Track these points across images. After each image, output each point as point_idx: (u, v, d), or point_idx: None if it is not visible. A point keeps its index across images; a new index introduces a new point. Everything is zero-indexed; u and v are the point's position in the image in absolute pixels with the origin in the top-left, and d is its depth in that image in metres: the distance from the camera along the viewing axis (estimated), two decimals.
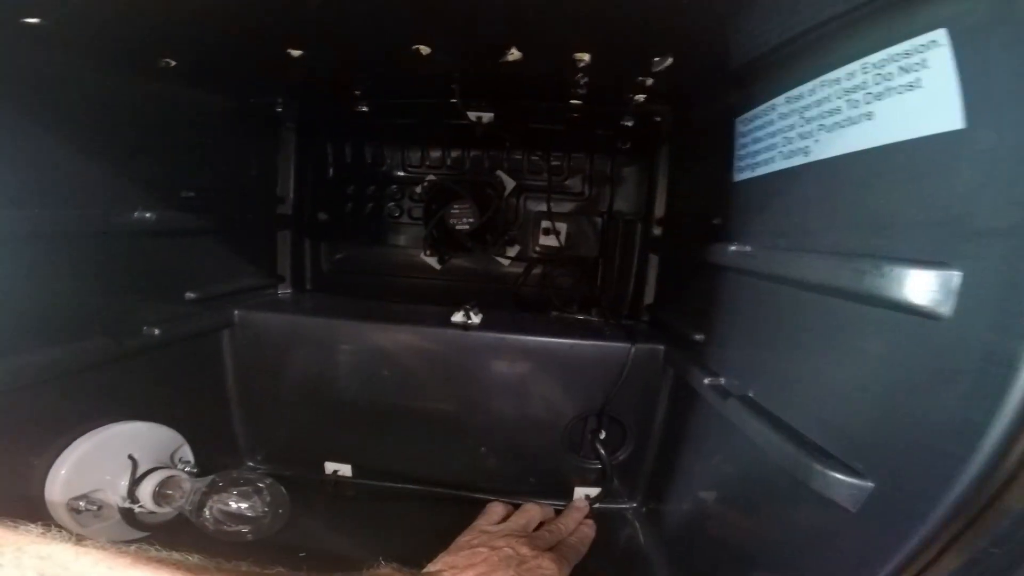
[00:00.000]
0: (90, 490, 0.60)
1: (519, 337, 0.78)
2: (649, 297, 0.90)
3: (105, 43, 0.57)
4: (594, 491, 0.83)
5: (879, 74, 0.42)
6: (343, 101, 0.89)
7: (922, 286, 0.34)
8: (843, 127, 0.46)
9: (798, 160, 0.52)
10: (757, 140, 0.60)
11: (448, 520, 0.73)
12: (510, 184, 1.00)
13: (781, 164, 0.55)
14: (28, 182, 0.56)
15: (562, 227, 0.98)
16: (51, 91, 0.58)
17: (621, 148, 0.92)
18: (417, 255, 1.06)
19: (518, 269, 1.03)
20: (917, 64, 0.38)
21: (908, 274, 0.35)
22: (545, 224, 0.99)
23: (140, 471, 0.63)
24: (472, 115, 0.90)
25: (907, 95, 0.39)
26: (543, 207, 1.00)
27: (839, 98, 0.46)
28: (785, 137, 0.55)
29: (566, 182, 1.00)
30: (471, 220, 0.97)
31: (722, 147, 0.66)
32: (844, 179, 0.46)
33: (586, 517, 0.78)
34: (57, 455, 0.59)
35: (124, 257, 0.67)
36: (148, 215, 0.68)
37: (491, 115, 0.91)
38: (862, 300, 0.39)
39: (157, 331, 0.69)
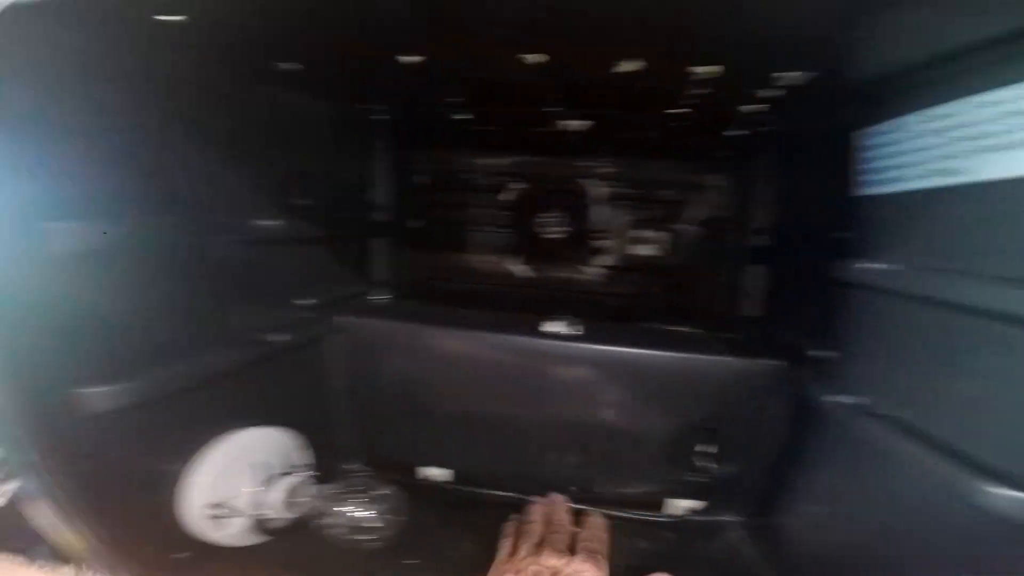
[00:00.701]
0: (223, 497, 0.63)
1: (622, 349, 0.77)
2: (747, 309, 0.88)
3: (231, 45, 0.58)
4: (694, 504, 0.83)
5: None
6: (440, 108, 0.91)
7: None
8: (1000, 150, 0.44)
9: (940, 180, 0.51)
10: (884, 156, 0.59)
11: None
12: (600, 192, 1.00)
13: (918, 183, 0.54)
14: (166, 189, 0.59)
15: (655, 236, 0.97)
16: (184, 95, 0.60)
17: (719, 155, 0.91)
18: (503, 262, 1.07)
19: (606, 278, 1.03)
20: None
21: None
22: (637, 233, 0.98)
23: (269, 477, 0.67)
24: (566, 123, 0.90)
25: None
26: (634, 215, 0.99)
27: (994, 121, 0.45)
28: (921, 155, 0.53)
29: (660, 190, 0.99)
30: (561, 228, 0.97)
31: (838, 159, 0.65)
32: (1006, 204, 0.44)
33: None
34: (192, 463, 0.62)
35: (245, 266, 0.70)
36: (266, 223, 0.71)
37: (586, 123, 0.91)
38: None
39: (275, 338, 0.72)
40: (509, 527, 0.71)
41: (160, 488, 0.59)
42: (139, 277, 0.57)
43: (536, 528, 0.68)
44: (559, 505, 0.74)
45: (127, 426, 0.54)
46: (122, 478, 0.55)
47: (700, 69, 0.58)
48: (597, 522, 0.71)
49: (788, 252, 0.80)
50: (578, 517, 0.73)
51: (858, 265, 0.60)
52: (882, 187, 0.59)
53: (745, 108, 0.73)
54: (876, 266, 0.58)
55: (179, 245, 0.61)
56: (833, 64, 0.56)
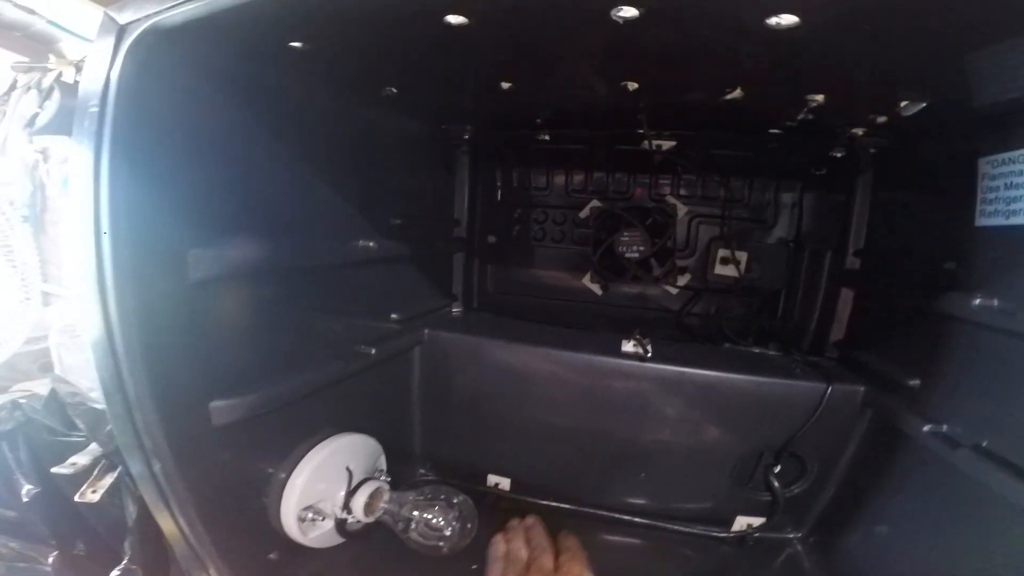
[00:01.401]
0: (316, 500, 0.66)
1: (699, 371, 0.76)
2: (835, 333, 0.85)
3: (348, 70, 0.61)
4: (756, 520, 0.81)
5: None
6: (524, 128, 0.92)
7: None
8: None
9: None
10: (1012, 186, 0.55)
11: (602, 542, 0.78)
12: (682, 210, 0.98)
13: None
14: (287, 212, 0.63)
15: (742, 256, 0.94)
16: (306, 121, 0.64)
17: (814, 174, 0.87)
18: (578, 279, 1.07)
19: (687, 298, 1.01)
20: None
21: None
22: (721, 253, 0.95)
23: (354, 482, 0.69)
24: (651, 144, 0.90)
25: None
26: (718, 234, 0.96)
27: None
28: None
29: (745, 209, 0.96)
30: (641, 248, 0.96)
31: (959, 186, 0.61)
32: None
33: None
34: (294, 468, 0.65)
35: (349, 283, 0.74)
36: (369, 244, 0.74)
37: (671, 143, 0.90)
38: None
39: (374, 351, 0.75)
40: (496, 550, 0.71)
41: (264, 492, 0.62)
42: (261, 298, 0.60)
43: (522, 553, 0.69)
44: (537, 528, 0.74)
45: (243, 435, 0.57)
46: (234, 482, 0.58)
47: (808, 97, 0.57)
48: (573, 542, 0.71)
49: (885, 277, 0.77)
50: (555, 537, 0.73)
51: (974, 302, 0.57)
52: (1008, 219, 0.56)
53: (856, 130, 0.70)
54: (986, 302, 0.56)
55: (295, 268, 0.64)
56: (954, 91, 0.53)
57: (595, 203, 1.03)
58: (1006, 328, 0.54)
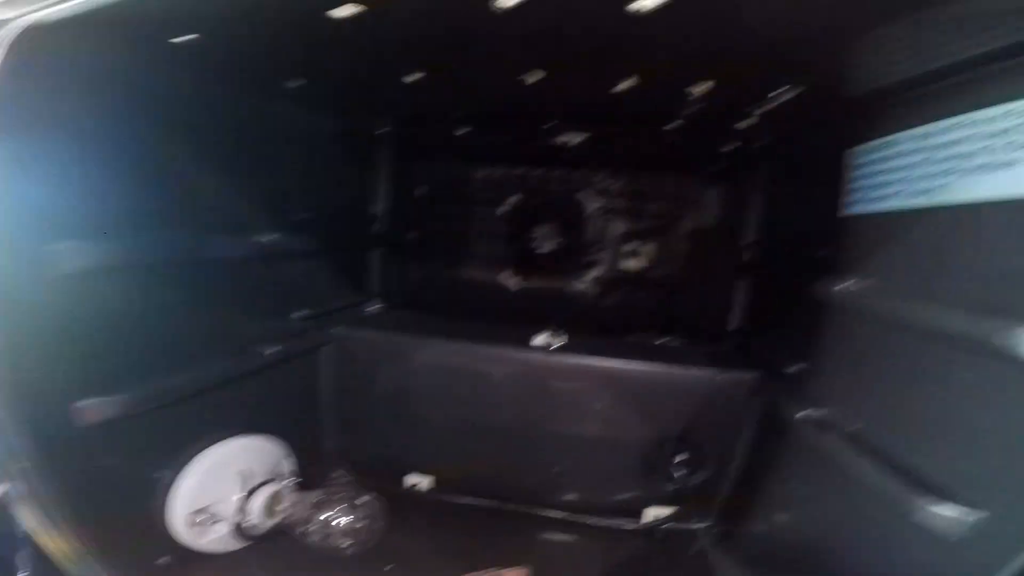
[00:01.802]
0: (207, 503, 0.64)
1: (602, 362, 0.78)
2: (733, 322, 0.89)
3: (242, 63, 0.60)
4: (665, 511, 0.83)
5: None
6: (440, 123, 0.92)
7: None
8: (978, 173, 0.44)
9: (923, 201, 0.51)
10: (874, 175, 0.59)
11: (519, 535, 0.79)
12: (592, 205, 1.00)
13: (903, 203, 0.54)
14: (168, 204, 0.61)
15: (645, 249, 0.97)
16: (191, 113, 0.62)
17: (712, 170, 0.91)
18: (498, 274, 1.08)
19: (597, 291, 1.03)
20: None
21: None
22: (628, 246, 0.98)
23: (251, 484, 0.67)
24: (562, 138, 0.91)
25: None
26: (627, 227, 0.99)
27: (978, 142, 0.45)
28: (908, 175, 0.53)
29: (650, 204, 0.99)
30: (554, 242, 0.98)
31: (830, 177, 0.65)
32: (979, 227, 0.44)
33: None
34: (180, 470, 0.63)
35: (242, 280, 0.72)
36: (265, 239, 0.73)
37: (581, 137, 0.92)
38: (987, 353, 0.40)
39: (270, 350, 0.73)
40: None
41: (148, 495, 0.60)
42: (137, 293, 0.58)
43: None
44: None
45: (119, 435, 0.55)
46: (112, 485, 0.56)
47: (693, 86, 0.59)
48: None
49: (773, 267, 0.81)
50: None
51: (838, 286, 0.60)
52: (868, 206, 0.59)
53: (740, 124, 0.73)
54: (852, 286, 0.59)
55: (177, 261, 0.62)
56: (824, 80, 0.56)
57: (513, 198, 1.04)
58: (865, 310, 0.57)
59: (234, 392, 0.70)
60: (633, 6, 0.40)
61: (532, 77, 0.62)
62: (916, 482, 0.44)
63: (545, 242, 0.97)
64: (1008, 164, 0.41)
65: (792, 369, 0.69)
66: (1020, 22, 0.38)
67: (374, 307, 1.04)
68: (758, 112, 0.68)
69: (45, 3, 0.43)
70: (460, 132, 0.94)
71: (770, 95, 0.61)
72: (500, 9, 0.41)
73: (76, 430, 0.52)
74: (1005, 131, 0.42)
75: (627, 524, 0.83)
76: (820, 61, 0.53)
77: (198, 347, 0.66)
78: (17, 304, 0.46)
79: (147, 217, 0.58)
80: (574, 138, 0.92)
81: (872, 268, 0.58)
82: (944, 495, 0.41)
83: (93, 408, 0.53)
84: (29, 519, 0.51)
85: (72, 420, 0.51)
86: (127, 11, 0.42)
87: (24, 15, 0.43)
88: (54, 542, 0.52)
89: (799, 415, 0.63)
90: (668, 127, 0.80)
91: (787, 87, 0.60)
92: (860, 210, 0.60)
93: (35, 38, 0.44)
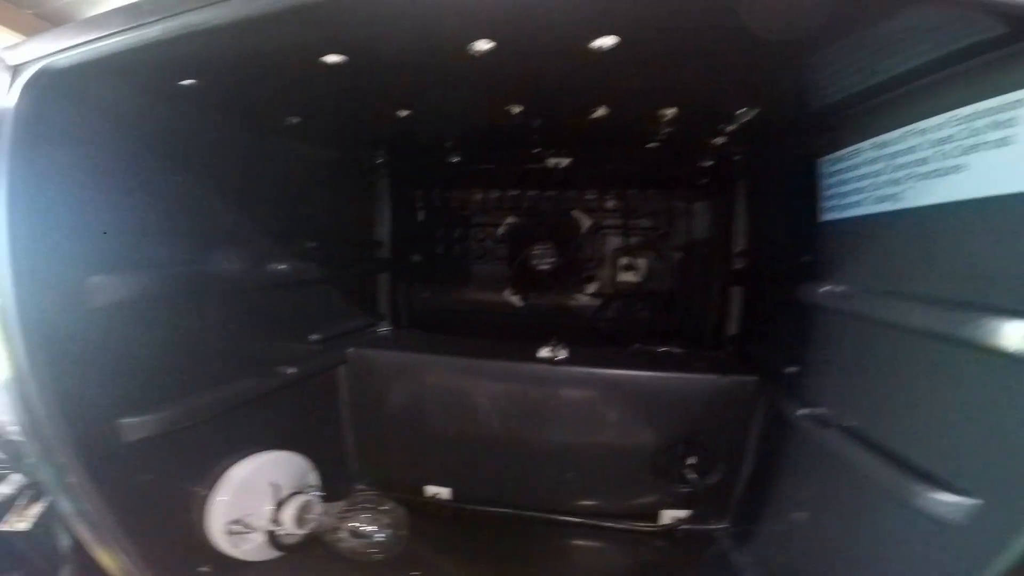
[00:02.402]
0: (242, 514, 0.68)
1: (607, 371, 0.82)
2: (731, 328, 0.93)
3: (245, 103, 0.66)
4: (681, 513, 0.86)
5: (968, 128, 0.45)
6: (435, 152, 0.98)
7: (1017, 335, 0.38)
8: (933, 177, 0.49)
9: (888, 206, 0.56)
10: (844, 182, 0.64)
11: (540, 540, 0.82)
12: (586, 223, 1.06)
13: (871, 208, 0.59)
14: (196, 241, 0.66)
15: (640, 262, 1.03)
16: (203, 151, 0.67)
17: (697, 184, 0.97)
18: (501, 293, 1.13)
19: (597, 304, 1.08)
20: (1009, 120, 0.41)
21: (1005, 324, 0.39)
22: (623, 261, 1.04)
23: (281, 496, 0.71)
24: (550, 161, 0.97)
25: (999, 151, 0.42)
26: (620, 243, 1.05)
27: (928, 148, 0.50)
28: (873, 182, 0.58)
29: (642, 219, 1.05)
30: (551, 260, 1.03)
31: (805, 186, 0.70)
32: (938, 228, 0.49)
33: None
34: (216, 483, 0.67)
35: (262, 306, 0.77)
36: (280, 267, 0.78)
37: (568, 160, 0.97)
38: (961, 344, 0.43)
39: (291, 370, 0.78)
40: None
41: (187, 507, 0.64)
42: (170, 319, 0.62)
43: None
44: None
45: (159, 451, 0.59)
46: (154, 498, 0.60)
47: (660, 112, 0.65)
48: None
49: (762, 274, 0.86)
50: None
51: (820, 288, 0.65)
52: (842, 212, 0.64)
53: (715, 140, 0.79)
54: (834, 289, 0.63)
55: (203, 291, 0.67)
56: (781, 98, 0.62)
57: (510, 220, 1.10)
58: (848, 311, 0.61)
59: (261, 410, 0.74)
60: (595, 44, 0.45)
61: (515, 108, 0.68)
62: (912, 472, 0.47)
63: (544, 260, 1.02)
64: (956, 169, 0.46)
65: (789, 370, 0.72)
66: (945, 36, 0.42)
67: (383, 329, 1.08)
68: (727, 130, 0.73)
69: (55, 48, 0.47)
70: (454, 159, 1.00)
71: (735, 115, 0.66)
72: (476, 52, 0.46)
73: (121, 446, 0.56)
74: (950, 137, 0.47)
75: (645, 526, 0.86)
76: (774, 82, 0.58)
77: (227, 368, 0.70)
78: (62, 332, 0.51)
79: (172, 250, 0.63)
80: (562, 161, 0.98)
81: (850, 271, 0.62)
82: (939, 484, 0.44)
83: (136, 425, 0.57)
84: (74, 534, 0.54)
85: (118, 436, 0.56)
86: (129, 57, 0.46)
87: (35, 60, 0.47)
88: (101, 556, 0.55)
89: (799, 414, 0.66)
90: (649, 146, 0.85)
91: (746, 108, 0.65)
92: (835, 216, 0.66)
93: (48, 81, 0.48)
